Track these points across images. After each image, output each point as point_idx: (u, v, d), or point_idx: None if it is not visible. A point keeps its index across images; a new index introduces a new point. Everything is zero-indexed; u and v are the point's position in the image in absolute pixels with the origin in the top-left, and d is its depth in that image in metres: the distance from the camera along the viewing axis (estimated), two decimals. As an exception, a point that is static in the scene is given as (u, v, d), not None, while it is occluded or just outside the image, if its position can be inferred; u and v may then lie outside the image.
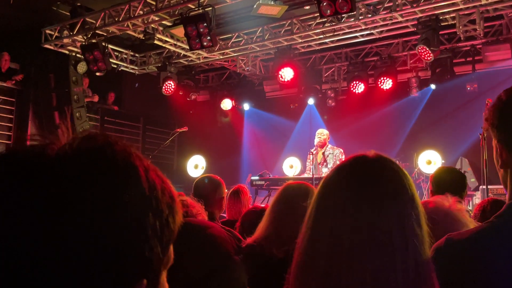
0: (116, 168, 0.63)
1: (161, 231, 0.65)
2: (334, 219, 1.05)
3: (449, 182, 2.88)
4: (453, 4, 7.15)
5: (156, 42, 8.92)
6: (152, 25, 8.43)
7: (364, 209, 1.03)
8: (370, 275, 0.99)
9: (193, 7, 7.26)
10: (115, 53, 10.02)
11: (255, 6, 6.66)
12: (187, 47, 7.91)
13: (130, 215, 0.61)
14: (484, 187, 6.12)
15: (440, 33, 7.98)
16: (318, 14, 6.52)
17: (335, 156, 7.84)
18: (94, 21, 8.42)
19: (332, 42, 9.09)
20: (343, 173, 1.12)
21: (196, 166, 10.78)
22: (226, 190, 3.79)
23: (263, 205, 4.89)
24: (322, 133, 8.03)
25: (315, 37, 8.75)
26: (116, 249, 0.60)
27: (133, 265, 0.62)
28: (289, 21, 8.48)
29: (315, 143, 8.02)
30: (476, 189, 8.13)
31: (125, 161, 0.65)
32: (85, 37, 8.61)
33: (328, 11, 6.30)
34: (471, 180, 8.31)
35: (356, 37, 8.77)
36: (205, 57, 9.96)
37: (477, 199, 7.36)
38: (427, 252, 1.05)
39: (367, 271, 0.99)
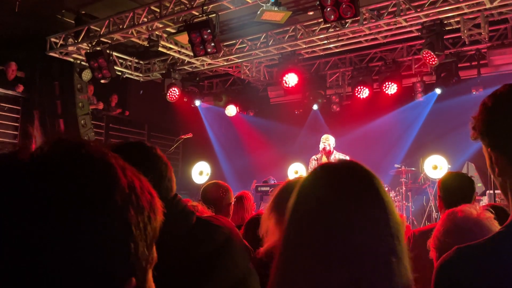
0: (93, 167, 0.63)
1: (144, 228, 0.65)
2: (305, 228, 1.09)
3: (458, 187, 2.85)
4: (458, 9, 7.13)
5: (160, 49, 8.95)
6: (156, 32, 8.46)
7: (331, 216, 1.07)
8: (345, 282, 1.02)
9: (197, 14, 7.29)
10: (120, 60, 10.06)
11: (259, 12, 6.66)
12: (191, 53, 7.94)
13: (113, 213, 0.61)
14: (491, 191, 6.08)
15: (444, 37, 7.97)
16: (322, 19, 6.52)
17: None
18: (98, 29, 8.47)
19: (336, 47, 9.08)
20: (313, 181, 1.16)
21: (201, 172, 10.77)
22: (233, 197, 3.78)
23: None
24: (327, 139, 7.88)
25: (319, 43, 8.75)
26: (101, 249, 0.60)
27: (120, 265, 0.62)
28: (293, 27, 8.49)
29: (320, 148, 7.92)
30: (483, 194, 8.07)
31: (101, 159, 0.65)
32: (89, 45, 8.65)
33: (332, 16, 6.30)
34: (478, 185, 8.24)
35: (360, 42, 8.77)
36: (209, 64, 9.98)
37: (484, 204, 7.30)
38: (399, 247, 1.06)
39: (341, 278, 1.02)
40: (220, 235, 1.85)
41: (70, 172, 0.61)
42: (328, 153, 7.79)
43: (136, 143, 1.79)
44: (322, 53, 9.49)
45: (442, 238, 1.77)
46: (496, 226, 1.73)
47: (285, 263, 1.11)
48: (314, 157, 8.02)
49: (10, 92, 9.19)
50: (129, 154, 1.69)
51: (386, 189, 8.61)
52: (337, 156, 7.78)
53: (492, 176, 1.27)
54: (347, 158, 7.68)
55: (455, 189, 2.83)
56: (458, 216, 1.81)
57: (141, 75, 10.64)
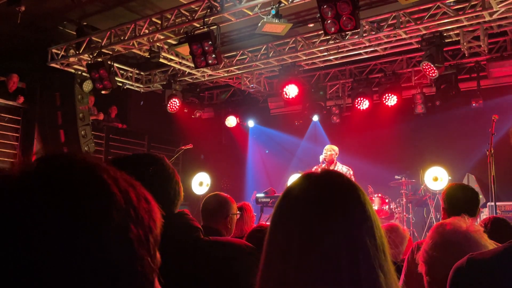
0: (83, 184, 0.59)
1: (147, 240, 0.62)
2: (283, 244, 1.06)
3: (462, 199, 2.83)
4: (457, 21, 7.18)
5: (161, 60, 8.98)
6: (158, 44, 8.50)
7: (308, 232, 1.04)
8: None
9: (198, 25, 7.33)
10: (121, 71, 10.09)
11: (259, 24, 6.70)
12: (192, 65, 7.97)
13: (111, 234, 0.57)
14: (492, 203, 6.04)
15: (444, 49, 8.00)
16: (322, 31, 6.55)
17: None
18: (100, 40, 8.50)
19: (336, 59, 9.12)
20: (290, 195, 1.13)
21: (201, 183, 10.75)
22: (237, 211, 3.70)
23: (269, 223, 4.85)
24: (330, 149, 7.82)
25: (319, 54, 8.79)
26: (102, 273, 0.56)
27: (128, 285, 0.59)
28: (293, 39, 8.53)
29: (320, 159, 7.88)
30: (484, 205, 8.04)
31: (91, 175, 0.61)
32: (91, 56, 8.69)
33: (332, 28, 6.33)
34: (479, 197, 8.22)
35: (360, 54, 8.81)
36: (210, 75, 10.01)
37: (485, 216, 7.27)
38: (385, 262, 1.03)
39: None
40: (226, 252, 1.83)
41: (58, 191, 0.57)
42: (329, 163, 7.75)
43: (143, 154, 1.85)
44: (322, 65, 9.54)
45: (430, 252, 1.74)
46: (485, 240, 1.71)
47: (265, 277, 1.08)
48: (315, 167, 7.99)
49: (10, 102, 9.20)
50: (136, 162, 1.72)
51: (387, 200, 8.59)
52: (339, 168, 7.71)
53: None
54: (350, 170, 7.64)
55: (459, 201, 2.82)
56: (447, 229, 1.77)
57: (141, 86, 10.67)
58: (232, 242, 1.96)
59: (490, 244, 1.68)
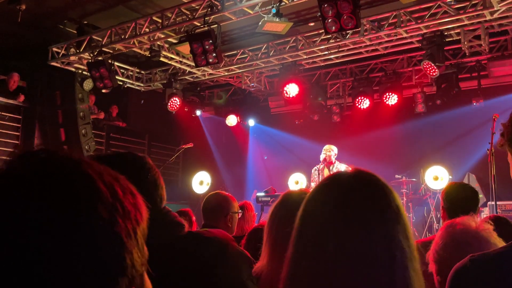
0: (68, 180, 0.59)
1: (134, 233, 0.62)
2: (316, 243, 1.04)
3: (462, 198, 2.84)
4: (458, 20, 7.17)
5: (161, 59, 8.97)
6: (158, 43, 8.50)
7: (344, 230, 1.02)
8: None
9: (198, 24, 7.33)
10: (121, 70, 10.08)
11: (260, 23, 6.70)
12: (193, 64, 7.96)
13: (99, 229, 0.57)
14: (493, 203, 6.04)
15: (445, 48, 8.00)
16: (323, 30, 6.55)
17: None
18: (100, 39, 8.50)
19: (336, 58, 9.11)
20: (323, 194, 1.12)
21: (201, 182, 10.74)
22: (239, 210, 3.69)
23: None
24: (328, 149, 7.86)
25: (320, 53, 8.79)
26: (93, 268, 0.56)
27: (117, 279, 0.59)
28: (294, 38, 8.53)
29: (321, 159, 7.90)
30: (484, 205, 8.04)
31: (75, 171, 0.60)
32: (91, 55, 8.69)
33: (333, 27, 6.32)
34: (480, 196, 8.21)
35: (360, 53, 8.81)
36: (210, 74, 10.01)
37: (485, 215, 7.27)
38: (416, 262, 1.03)
39: None
40: (211, 247, 1.83)
41: (42, 188, 0.56)
42: (329, 164, 7.75)
43: (127, 153, 1.78)
44: (322, 64, 9.53)
45: (440, 252, 1.75)
46: (495, 238, 1.71)
47: (292, 274, 1.06)
48: (315, 167, 8.00)
49: (11, 101, 9.21)
50: (122, 165, 1.69)
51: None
52: (338, 166, 7.72)
53: None
54: (349, 169, 7.62)
55: (459, 200, 2.82)
56: (457, 229, 1.78)
57: (142, 85, 10.67)
58: (217, 236, 1.95)
59: (500, 243, 1.68)
